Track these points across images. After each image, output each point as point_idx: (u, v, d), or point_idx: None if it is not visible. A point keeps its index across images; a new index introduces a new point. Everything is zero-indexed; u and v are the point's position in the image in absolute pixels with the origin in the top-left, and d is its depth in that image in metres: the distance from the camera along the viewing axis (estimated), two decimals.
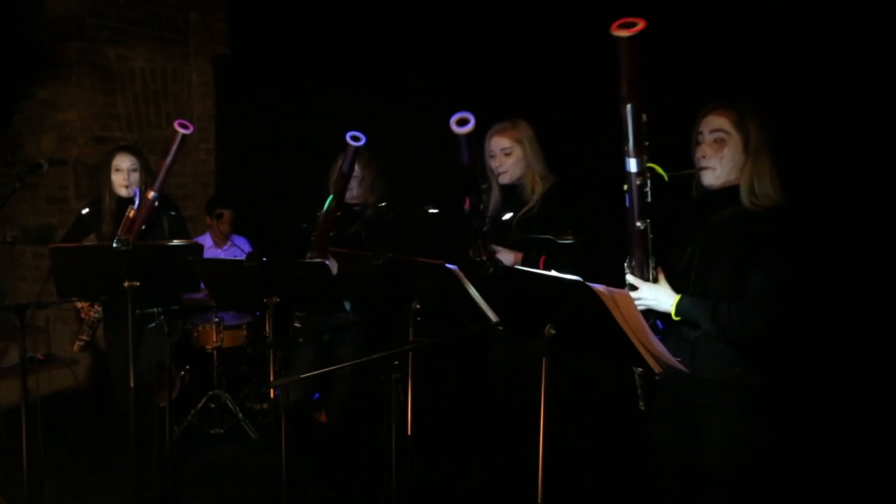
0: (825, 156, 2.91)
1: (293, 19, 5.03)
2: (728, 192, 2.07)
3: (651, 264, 2.10)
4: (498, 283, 2.07)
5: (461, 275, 2.30)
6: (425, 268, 2.42)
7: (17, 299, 5.20)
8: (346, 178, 3.08)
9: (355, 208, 3.31)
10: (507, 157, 2.93)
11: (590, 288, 1.77)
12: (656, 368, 1.98)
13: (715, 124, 2.07)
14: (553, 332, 1.95)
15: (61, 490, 3.30)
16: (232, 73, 5.60)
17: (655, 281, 2.11)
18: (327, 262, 2.83)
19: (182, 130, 3.06)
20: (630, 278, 2.10)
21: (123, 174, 3.31)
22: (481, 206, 2.78)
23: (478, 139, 2.76)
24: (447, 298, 2.43)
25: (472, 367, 4.08)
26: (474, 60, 4.15)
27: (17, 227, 5.32)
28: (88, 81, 5.03)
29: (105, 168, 3.37)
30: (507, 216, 2.95)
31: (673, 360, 1.95)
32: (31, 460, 2.76)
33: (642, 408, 2.24)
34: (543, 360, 1.97)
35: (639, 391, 2.22)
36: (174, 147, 3.08)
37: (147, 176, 3.31)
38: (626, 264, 2.12)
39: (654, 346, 1.88)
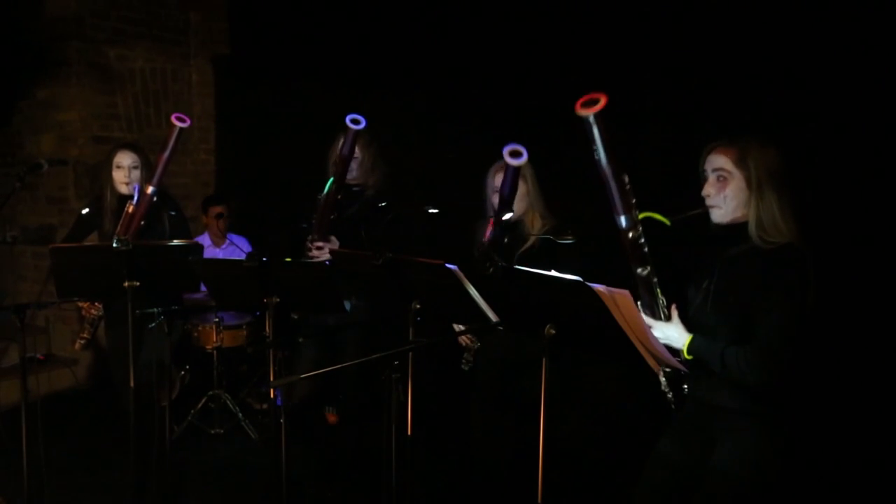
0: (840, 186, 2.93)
1: (293, 19, 5.03)
2: (739, 228, 2.07)
3: (661, 304, 2.11)
4: (498, 283, 2.07)
5: (461, 275, 2.30)
6: (425, 268, 2.42)
7: (17, 299, 5.20)
8: (346, 161, 3.08)
9: (354, 189, 3.32)
10: None
11: (590, 288, 1.77)
12: (656, 369, 1.98)
13: (716, 163, 2.07)
14: (553, 332, 1.95)
15: (61, 490, 3.30)
16: (232, 73, 5.60)
17: (669, 318, 2.12)
18: (327, 258, 2.82)
19: (179, 124, 3.05)
20: (645, 319, 2.07)
21: (124, 171, 3.31)
22: (505, 241, 2.75)
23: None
24: (447, 298, 2.43)
25: (472, 367, 4.07)
26: (475, 60, 4.15)
27: (17, 227, 5.32)
28: (88, 81, 5.03)
29: (107, 166, 3.37)
30: (507, 216, 2.95)
31: (673, 361, 1.96)
32: (31, 460, 2.76)
33: (673, 406, 2.24)
34: (543, 359, 1.98)
35: (667, 391, 2.23)
36: (171, 141, 3.07)
37: (148, 173, 3.30)
38: (637, 304, 2.10)
39: (654, 347, 1.88)
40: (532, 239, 2.90)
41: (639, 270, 2.05)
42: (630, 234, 2.00)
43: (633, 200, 2.00)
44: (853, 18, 2.96)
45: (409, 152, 4.37)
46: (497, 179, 2.92)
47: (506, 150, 2.59)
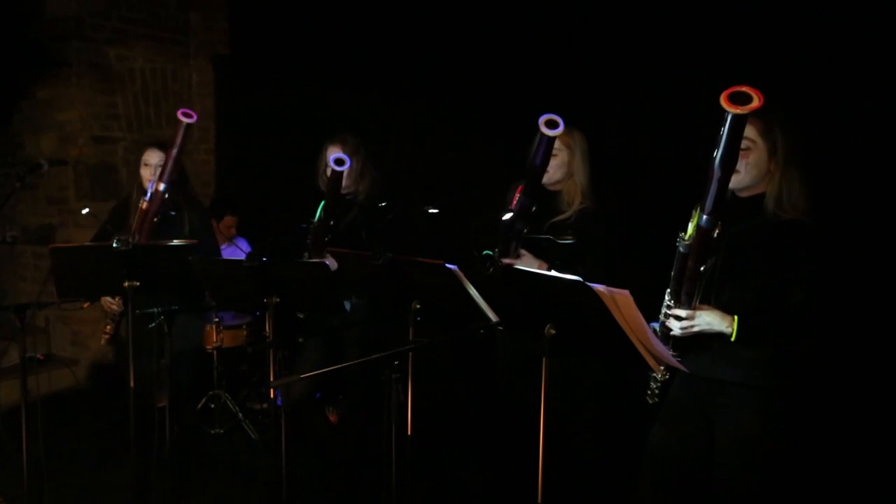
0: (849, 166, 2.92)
1: (293, 19, 5.03)
2: (751, 202, 2.07)
3: (699, 294, 2.06)
4: (498, 283, 2.07)
5: (461, 275, 2.31)
6: (425, 268, 2.42)
7: (17, 299, 5.20)
8: (337, 184, 3.10)
9: (347, 197, 3.32)
10: (553, 158, 2.84)
11: (590, 288, 1.77)
12: (656, 368, 1.99)
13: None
14: (553, 332, 1.96)
15: (61, 490, 3.30)
16: (232, 73, 5.60)
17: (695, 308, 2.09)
18: (326, 262, 2.83)
19: (185, 119, 3.02)
20: (677, 311, 2.06)
21: (151, 169, 3.29)
22: (532, 210, 2.72)
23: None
24: (447, 298, 2.43)
25: (472, 367, 4.08)
26: (475, 60, 4.15)
27: (17, 227, 5.32)
28: (88, 81, 5.03)
29: (137, 164, 3.38)
30: (507, 216, 2.95)
31: (672, 360, 1.96)
32: (31, 460, 2.76)
33: (655, 400, 2.24)
34: (544, 359, 1.98)
35: (653, 385, 2.23)
36: (179, 137, 3.06)
37: (177, 173, 3.24)
38: (667, 297, 2.09)
39: (654, 346, 1.88)
40: (568, 213, 2.85)
41: (702, 268, 1.99)
42: (713, 234, 1.94)
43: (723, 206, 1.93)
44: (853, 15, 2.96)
45: (410, 152, 4.38)
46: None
47: (541, 120, 2.59)
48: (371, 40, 4.60)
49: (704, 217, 1.91)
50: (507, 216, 2.73)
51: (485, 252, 2.58)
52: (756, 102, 1.74)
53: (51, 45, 4.99)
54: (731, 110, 1.76)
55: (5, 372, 4.71)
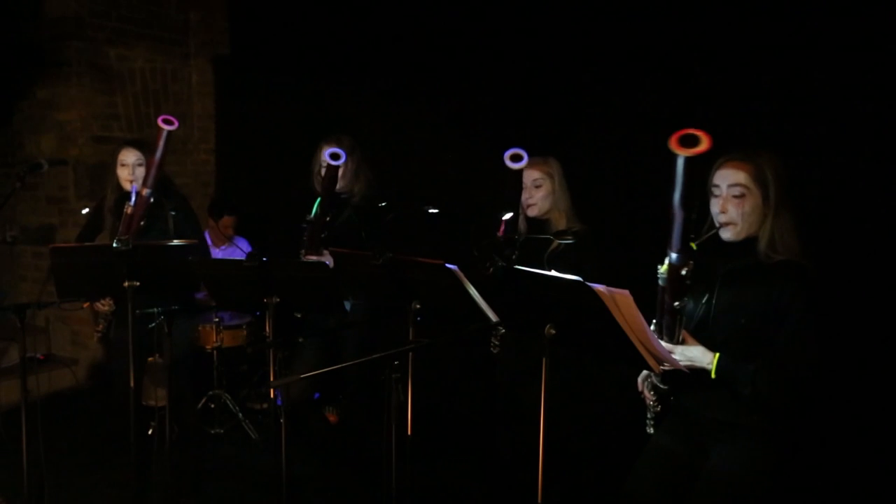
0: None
1: (293, 19, 5.03)
2: (744, 243, 2.07)
3: (680, 329, 2.05)
4: (498, 283, 2.07)
5: (461, 275, 2.31)
6: (425, 268, 2.42)
7: (17, 299, 5.20)
8: (332, 180, 3.11)
9: (342, 196, 3.33)
10: (538, 189, 2.91)
11: (590, 288, 1.77)
12: (656, 368, 1.99)
13: (732, 178, 2.04)
14: (553, 332, 1.96)
15: (61, 490, 3.30)
16: (232, 73, 5.61)
17: (682, 341, 2.07)
18: (326, 262, 2.83)
19: (166, 127, 2.99)
20: (662, 343, 2.04)
21: (129, 169, 3.29)
22: (516, 237, 2.76)
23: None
24: (447, 298, 2.43)
25: (472, 367, 4.07)
26: (474, 60, 4.16)
27: (17, 227, 5.32)
28: (88, 81, 5.03)
29: (112, 164, 3.36)
30: (509, 215, 2.95)
31: (673, 360, 1.96)
32: (31, 460, 2.76)
33: (650, 431, 2.23)
34: (543, 359, 1.98)
35: (649, 415, 2.22)
36: (161, 144, 3.04)
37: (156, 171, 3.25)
38: (653, 326, 2.07)
39: (654, 346, 1.88)
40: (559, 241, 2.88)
41: (676, 304, 1.98)
42: (682, 271, 1.93)
43: (692, 237, 1.92)
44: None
45: (410, 152, 4.38)
46: (523, 174, 2.91)
47: (506, 155, 2.61)
48: (371, 40, 4.61)
49: (674, 255, 1.91)
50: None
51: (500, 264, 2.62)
52: (704, 145, 1.75)
53: (51, 45, 4.99)
54: (681, 153, 1.77)
55: (5, 372, 4.71)
